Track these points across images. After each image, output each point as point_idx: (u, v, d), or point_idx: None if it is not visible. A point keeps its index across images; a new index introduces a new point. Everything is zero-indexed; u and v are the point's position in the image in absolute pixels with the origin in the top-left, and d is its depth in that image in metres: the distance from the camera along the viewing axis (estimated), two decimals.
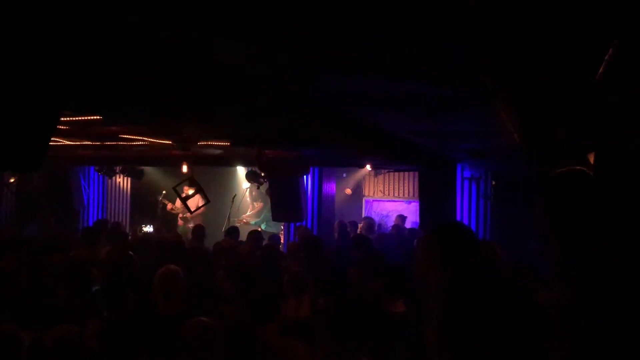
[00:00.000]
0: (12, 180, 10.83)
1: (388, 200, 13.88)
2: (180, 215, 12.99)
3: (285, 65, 3.39)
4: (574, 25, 2.13)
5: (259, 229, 11.25)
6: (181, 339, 3.42)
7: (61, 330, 3.52)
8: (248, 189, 12.95)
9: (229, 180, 13.73)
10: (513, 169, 9.69)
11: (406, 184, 13.65)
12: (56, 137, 6.92)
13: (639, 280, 1.97)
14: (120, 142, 7.50)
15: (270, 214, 10.47)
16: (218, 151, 8.40)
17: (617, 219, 2.12)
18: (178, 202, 12.93)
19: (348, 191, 13.90)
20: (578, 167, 2.28)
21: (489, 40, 2.34)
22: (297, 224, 10.37)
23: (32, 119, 2.36)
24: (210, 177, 11.99)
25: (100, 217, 12.42)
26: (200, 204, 9.90)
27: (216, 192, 11.93)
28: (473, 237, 2.47)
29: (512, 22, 2.11)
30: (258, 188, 11.47)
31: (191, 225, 12.48)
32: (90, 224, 11.64)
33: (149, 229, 12.15)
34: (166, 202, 13.04)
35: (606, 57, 2.34)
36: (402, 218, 11.79)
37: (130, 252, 5.95)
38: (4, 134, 2.26)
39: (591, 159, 4.78)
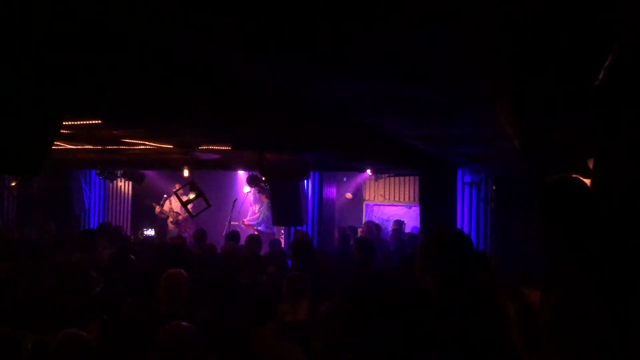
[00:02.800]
0: (13, 183, 10.82)
1: (388, 204, 13.88)
2: (171, 219, 12.80)
3: (285, 68, 3.40)
4: (574, 31, 2.14)
5: (255, 232, 11.24)
6: (156, 342, 3.39)
7: (67, 334, 3.51)
8: (249, 193, 12.91)
9: (230, 183, 13.71)
10: (513, 173, 9.69)
11: (407, 189, 13.65)
12: (57, 141, 6.93)
13: (628, 283, 2.00)
14: (121, 146, 7.51)
15: (268, 214, 10.47)
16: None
17: (610, 225, 2.15)
18: (166, 206, 12.88)
19: (348, 195, 13.90)
20: (573, 175, 2.32)
21: (489, 46, 2.36)
22: (298, 227, 10.37)
23: (34, 123, 2.37)
24: (211, 180, 11.97)
25: (101, 220, 12.41)
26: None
27: (217, 196, 11.91)
28: (470, 243, 2.50)
29: (513, 28, 2.12)
30: (259, 192, 11.48)
31: (183, 229, 12.44)
32: (92, 227, 11.64)
33: (150, 232, 12.13)
34: (155, 205, 12.88)
35: (606, 63, 2.36)
36: (399, 223, 11.77)
37: (132, 256, 5.95)
38: (5, 138, 2.27)
39: (590, 164, 4.79)
